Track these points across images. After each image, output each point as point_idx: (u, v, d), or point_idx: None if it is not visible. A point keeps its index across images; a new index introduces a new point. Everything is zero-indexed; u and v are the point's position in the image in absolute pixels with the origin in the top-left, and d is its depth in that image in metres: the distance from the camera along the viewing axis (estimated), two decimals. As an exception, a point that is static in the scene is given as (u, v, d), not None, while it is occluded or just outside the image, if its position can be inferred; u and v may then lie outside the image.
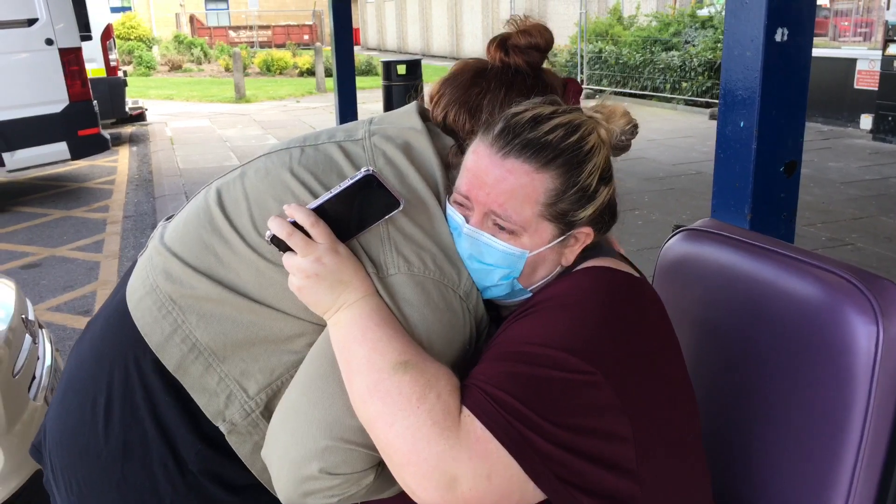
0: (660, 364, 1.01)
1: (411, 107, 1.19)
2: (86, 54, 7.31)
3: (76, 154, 7.17)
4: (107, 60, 9.82)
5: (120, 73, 10.60)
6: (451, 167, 1.12)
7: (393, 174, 1.07)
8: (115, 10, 22.38)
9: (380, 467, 0.98)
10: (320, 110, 13.87)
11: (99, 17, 9.71)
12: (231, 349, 1.04)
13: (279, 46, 28.73)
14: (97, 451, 1.09)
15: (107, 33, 9.85)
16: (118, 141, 10.43)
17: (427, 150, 1.11)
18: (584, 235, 1.08)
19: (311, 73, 19.49)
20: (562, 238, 1.05)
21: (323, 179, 1.08)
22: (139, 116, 11.94)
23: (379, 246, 1.03)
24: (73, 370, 1.17)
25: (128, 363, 1.09)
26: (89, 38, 8.86)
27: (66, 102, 6.87)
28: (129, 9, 29.59)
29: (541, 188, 1.01)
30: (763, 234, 1.25)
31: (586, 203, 1.04)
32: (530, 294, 1.09)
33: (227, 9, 37.62)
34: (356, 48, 9.92)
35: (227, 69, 21.55)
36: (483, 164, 1.02)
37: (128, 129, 11.69)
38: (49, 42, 6.68)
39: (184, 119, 12.96)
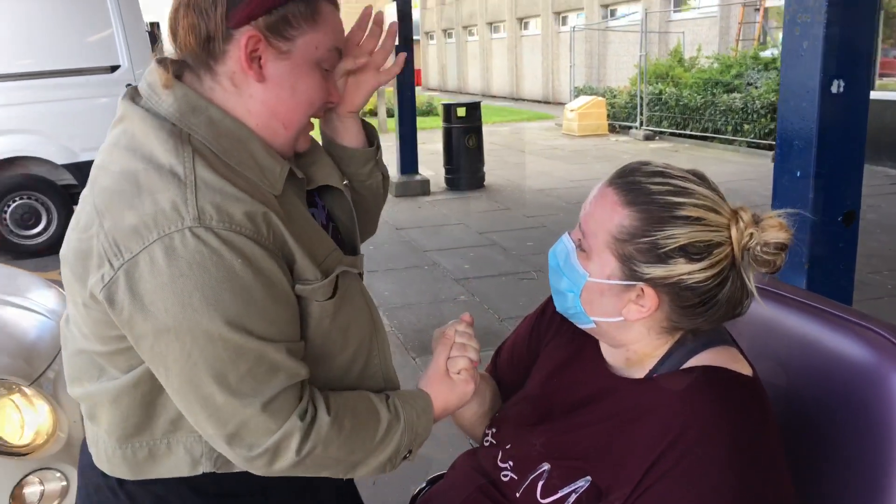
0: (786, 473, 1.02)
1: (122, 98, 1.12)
2: (162, 97, 7.66)
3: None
4: (180, 102, 10.24)
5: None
6: (169, 87, 1.06)
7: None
8: (189, 53, 23.29)
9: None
10: (383, 150, 14.07)
11: (174, 62, 10.17)
12: (147, 417, 1.05)
13: (343, 88, 29.32)
14: None
15: (181, 77, 10.30)
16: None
17: (136, 121, 1.06)
18: (650, 300, 1.05)
19: (373, 114, 19.97)
20: (623, 283, 1.06)
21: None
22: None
23: (101, 256, 0.94)
24: (84, 462, 1.18)
25: None
26: (165, 81, 9.27)
27: (143, 143, 7.19)
28: (202, 52, 30.81)
29: (616, 221, 1.05)
30: (807, 291, 1.27)
31: (654, 262, 1.03)
32: (593, 324, 1.11)
33: (294, 51, 38.70)
34: (416, 88, 10.07)
35: (292, 110, 22.10)
36: (596, 190, 1.11)
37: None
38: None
39: (250, 158, 13.28)
